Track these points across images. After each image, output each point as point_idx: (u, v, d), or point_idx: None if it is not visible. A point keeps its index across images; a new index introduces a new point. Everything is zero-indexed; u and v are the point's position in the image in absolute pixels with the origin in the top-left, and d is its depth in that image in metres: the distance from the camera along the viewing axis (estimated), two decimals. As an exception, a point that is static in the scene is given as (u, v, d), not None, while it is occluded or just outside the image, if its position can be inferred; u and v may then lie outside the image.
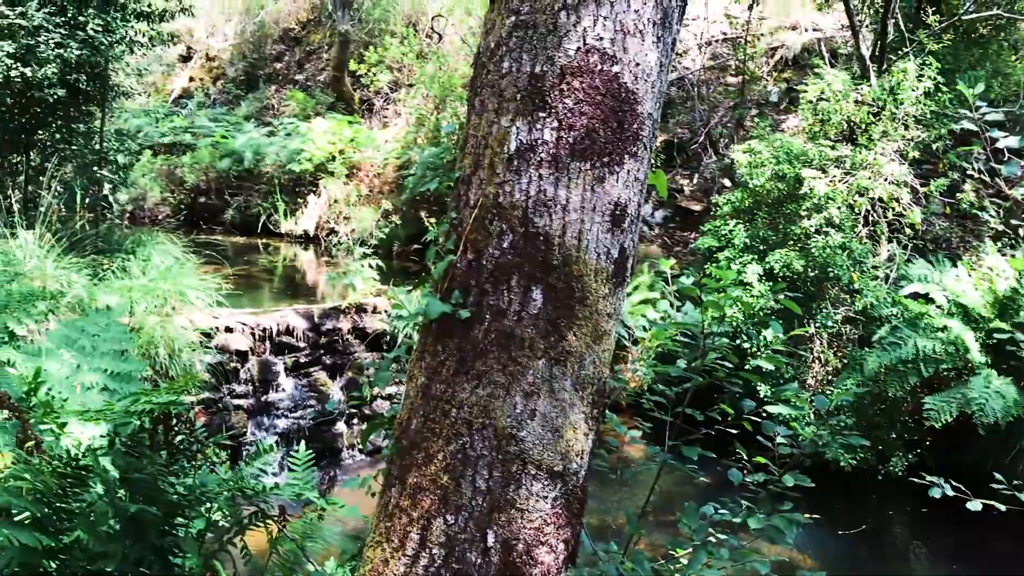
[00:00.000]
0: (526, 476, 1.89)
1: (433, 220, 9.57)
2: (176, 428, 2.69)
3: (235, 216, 14.93)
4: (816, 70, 9.24)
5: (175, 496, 2.65)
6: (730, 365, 2.34)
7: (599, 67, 1.84)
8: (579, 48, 1.85)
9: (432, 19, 17.49)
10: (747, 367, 2.46)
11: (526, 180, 1.87)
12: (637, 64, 1.88)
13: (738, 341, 7.31)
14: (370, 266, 8.75)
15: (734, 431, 2.31)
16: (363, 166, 14.74)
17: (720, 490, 2.52)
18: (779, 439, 2.16)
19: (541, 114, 1.87)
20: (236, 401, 7.27)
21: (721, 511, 2.16)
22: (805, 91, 9.01)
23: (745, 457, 2.24)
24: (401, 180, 13.88)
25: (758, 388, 6.96)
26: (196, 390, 6.89)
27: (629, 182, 1.90)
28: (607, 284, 1.93)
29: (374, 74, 15.15)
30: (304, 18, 19.57)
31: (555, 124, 1.85)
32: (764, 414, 2.27)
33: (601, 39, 1.84)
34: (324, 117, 15.77)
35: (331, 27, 18.19)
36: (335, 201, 14.46)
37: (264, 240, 14.20)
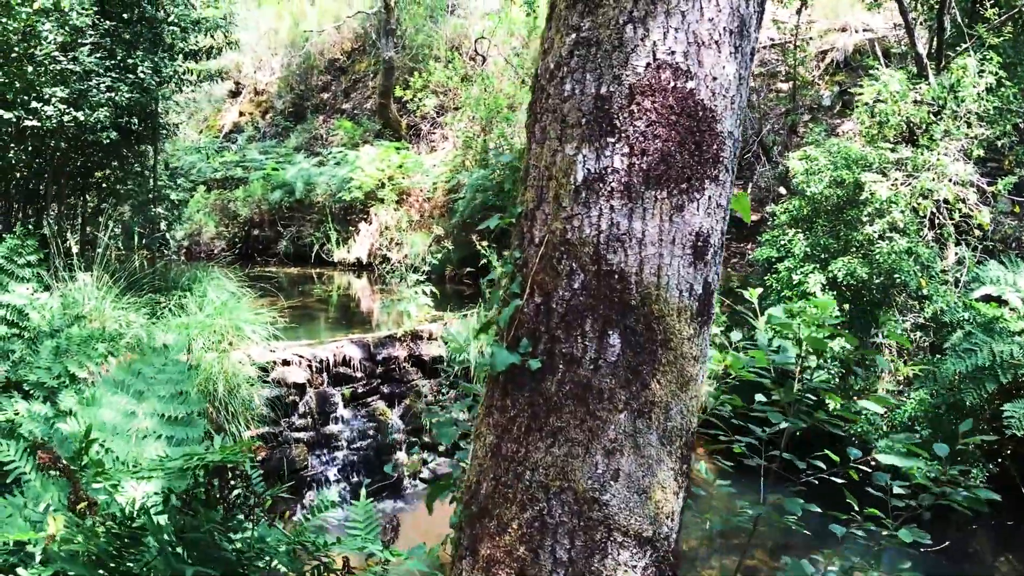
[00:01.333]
0: (612, 544, 1.69)
1: (485, 244, 9.44)
2: (233, 482, 2.58)
3: (288, 247, 15.04)
4: (871, 71, 8.93)
5: (233, 553, 2.52)
6: (829, 404, 2.12)
7: (672, 84, 1.66)
8: (649, 64, 1.67)
9: (475, 41, 17.49)
10: (831, 404, 2.24)
11: (596, 213, 1.69)
12: (714, 78, 1.69)
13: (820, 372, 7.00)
14: (424, 292, 8.65)
15: (840, 480, 2.08)
16: (412, 191, 14.74)
17: (820, 540, 2.29)
18: (896, 490, 1.93)
19: (610, 139, 1.69)
20: (295, 434, 7.21)
21: (831, 569, 1.94)
22: (860, 94, 8.70)
23: (856, 508, 2.01)
24: (451, 204, 13.83)
25: (860, 431, 6.67)
26: (256, 425, 6.85)
27: (711, 209, 1.71)
28: (691, 324, 1.74)
29: (420, 99, 15.17)
30: (348, 48, 19.75)
31: (626, 150, 1.67)
32: (873, 462, 2.04)
33: (673, 53, 1.66)
34: (372, 144, 15.84)
35: (375, 55, 18.32)
36: (386, 228, 14.47)
37: (318, 270, 14.25)
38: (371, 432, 7.63)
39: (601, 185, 1.68)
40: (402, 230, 14.22)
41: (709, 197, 1.69)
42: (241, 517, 2.59)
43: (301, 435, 7.24)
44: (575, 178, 1.70)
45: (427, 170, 14.94)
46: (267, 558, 2.65)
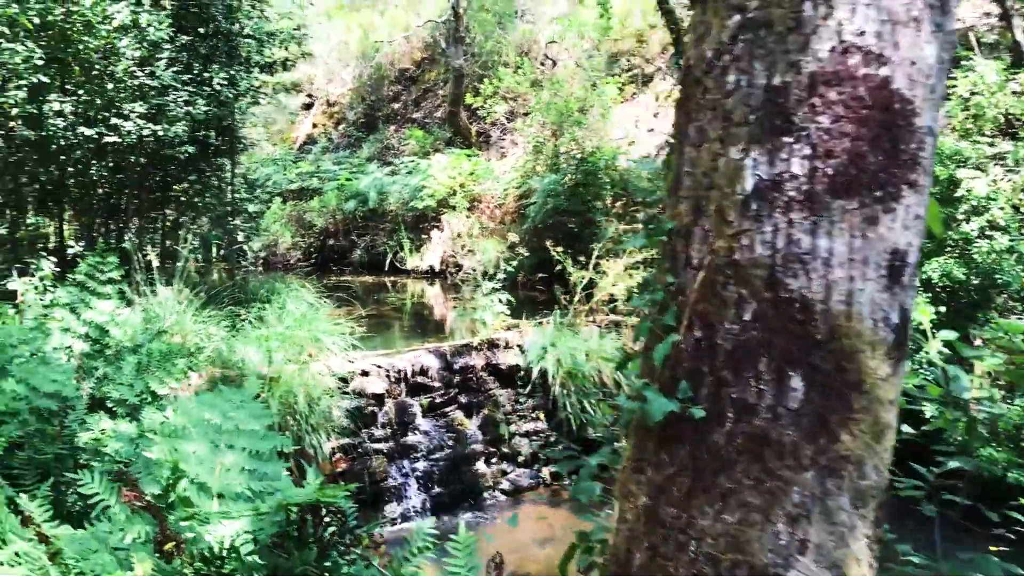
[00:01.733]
0: (801, 632, 1.39)
1: (560, 249, 9.18)
2: (327, 519, 2.38)
3: (363, 256, 15.08)
4: (965, 62, 8.39)
5: (329, 597, 2.33)
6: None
7: (862, 71, 1.36)
8: (834, 48, 1.38)
9: (545, 45, 17.31)
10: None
11: (770, 229, 1.41)
12: (912, 63, 1.39)
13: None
14: (499, 300, 8.44)
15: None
16: (484, 198, 14.62)
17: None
18: None
19: (786, 139, 1.40)
20: (375, 445, 7.12)
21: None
22: (953, 86, 8.18)
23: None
24: (522, 209, 13.65)
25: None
26: (336, 436, 6.75)
27: (908, 221, 1.40)
28: (887, 361, 1.43)
29: (490, 106, 15.03)
30: (418, 57, 19.77)
31: (807, 151, 1.38)
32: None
33: (862, 33, 1.36)
34: (443, 152, 15.79)
35: (445, 64, 18.28)
36: (458, 235, 14.37)
37: (391, 278, 14.21)
38: (450, 442, 7.50)
39: (776, 195, 1.40)
40: (474, 237, 14.09)
41: (907, 207, 1.38)
42: (337, 557, 2.39)
43: (381, 446, 7.16)
44: (743, 187, 1.41)
45: (498, 176, 14.82)
46: (363, 601, 2.45)
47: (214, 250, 8.72)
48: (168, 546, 2.14)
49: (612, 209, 12.16)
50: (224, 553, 2.14)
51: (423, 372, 7.57)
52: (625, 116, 15.10)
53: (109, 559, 2.24)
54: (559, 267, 9.17)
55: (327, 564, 2.32)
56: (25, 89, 6.09)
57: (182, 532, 2.24)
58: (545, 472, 7.86)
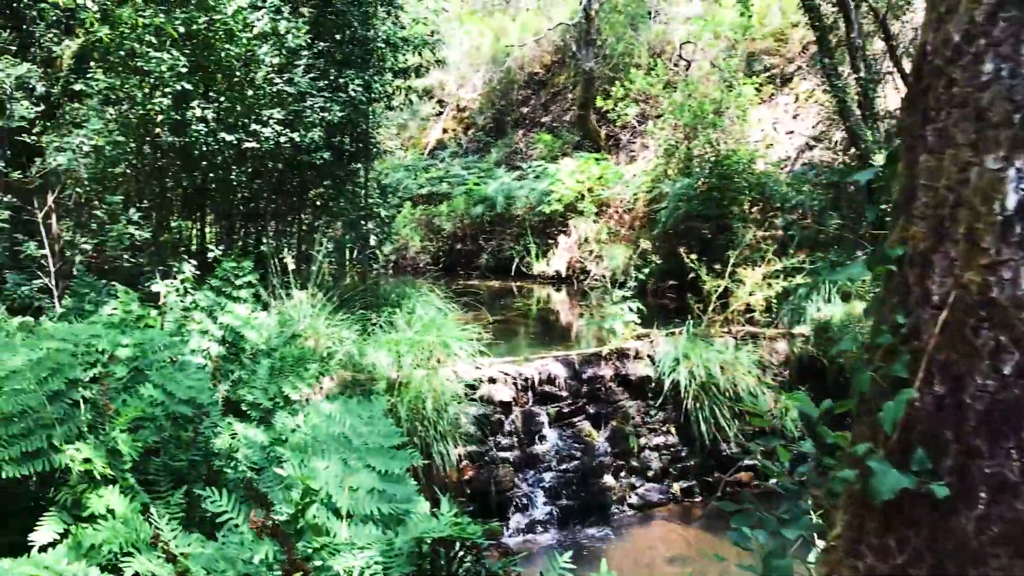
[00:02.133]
0: None
1: (693, 256, 8.80)
2: (460, 555, 2.21)
3: (489, 260, 15.09)
4: None
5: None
6: None
7: None
8: None
9: (680, 46, 16.86)
10: None
11: (1041, 258, 1.10)
12: None
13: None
14: (630, 308, 8.16)
15: None
16: (612, 203, 14.36)
17: None
18: None
19: (1065, 144, 1.09)
20: (502, 454, 7.05)
21: None
22: None
23: None
24: (652, 214, 13.31)
25: None
26: (463, 443, 6.67)
27: None
28: None
29: (620, 108, 14.73)
30: (548, 61, 19.69)
31: (1094, 159, 1.08)
32: None
33: None
34: (571, 156, 15.62)
35: (575, 66, 18.11)
36: (585, 240, 14.16)
37: (517, 283, 14.15)
38: (577, 454, 7.33)
39: (1050, 215, 1.08)
40: (602, 242, 13.84)
41: None
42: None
43: (507, 454, 7.06)
44: (1003, 204, 1.10)
45: (627, 181, 14.53)
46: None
47: (347, 254, 8.82)
48: (296, 577, 2.02)
49: (749, 215, 11.63)
50: (353, 586, 2.02)
51: (551, 381, 7.42)
52: (762, 118, 14.48)
53: (236, 585, 2.16)
54: (691, 274, 8.81)
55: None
56: (170, 96, 6.28)
57: (310, 561, 2.13)
58: (676, 487, 7.60)
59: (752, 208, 11.77)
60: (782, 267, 8.48)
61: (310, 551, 2.12)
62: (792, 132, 14.28)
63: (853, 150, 11.04)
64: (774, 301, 8.45)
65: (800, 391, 6.67)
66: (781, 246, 9.65)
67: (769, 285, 8.36)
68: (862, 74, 10.70)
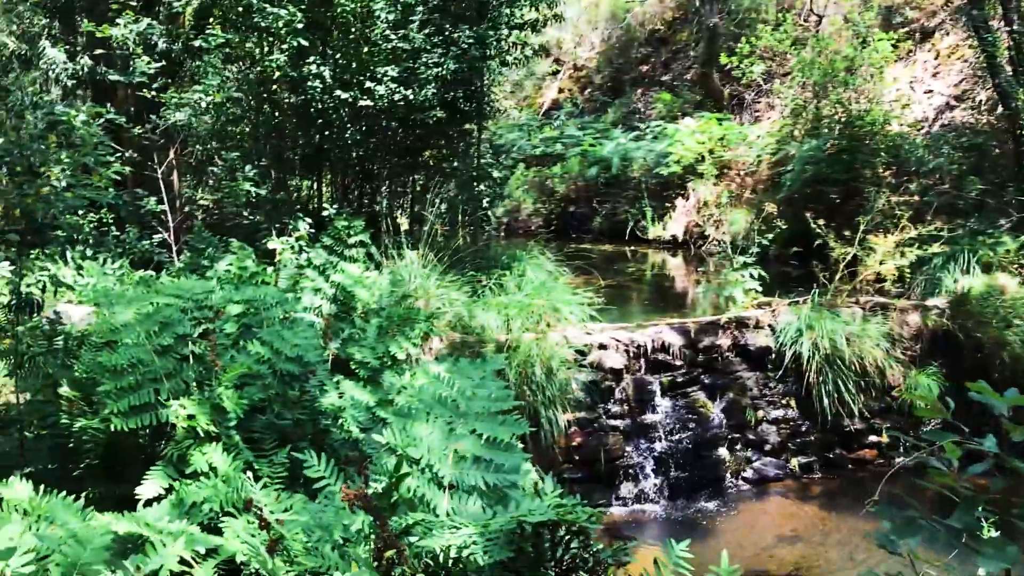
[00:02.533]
0: None
1: (821, 222, 8.29)
2: (566, 539, 2.03)
3: (603, 223, 14.83)
4: None
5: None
6: None
7: None
8: None
9: (810, 0, 15.94)
10: None
11: None
12: None
13: None
14: (751, 276, 7.78)
15: None
16: (734, 165, 13.80)
17: None
18: None
19: None
20: (611, 422, 6.92)
21: None
22: None
23: None
24: (776, 177, 12.71)
25: None
26: (571, 409, 6.55)
27: None
28: None
29: (745, 66, 14.06)
30: (670, 17, 19.03)
31: None
32: None
33: None
34: (692, 116, 15.07)
35: (698, 23, 17.45)
36: (704, 204, 13.68)
37: (631, 247, 13.84)
38: (690, 425, 7.11)
39: None
40: (722, 206, 13.31)
41: None
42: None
43: (617, 423, 6.90)
44: None
45: (751, 142, 13.93)
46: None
47: (459, 215, 8.77)
48: (388, 553, 1.90)
49: (882, 179, 10.91)
50: (449, 564, 1.87)
51: (664, 349, 7.21)
52: (899, 76, 13.53)
53: (331, 555, 2.05)
54: (817, 241, 8.33)
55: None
56: (287, 53, 6.29)
57: (405, 536, 2.00)
58: (794, 463, 7.32)
59: (885, 172, 11.05)
60: (917, 235, 7.95)
61: (404, 526, 1.99)
62: (931, 91, 13.30)
63: (1001, 110, 10.14)
64: (907, 271, 7.97)
65: (932, 366, 6.20)
66: (916, 213, 9.02)
67: (902, 253, 7.86)
68: (1015, 27, 9.76)
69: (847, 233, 8.15)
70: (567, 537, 2.00)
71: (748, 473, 7.22)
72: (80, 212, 5.57)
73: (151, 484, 2.88)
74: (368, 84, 6.83)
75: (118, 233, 6.25)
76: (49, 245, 4.84)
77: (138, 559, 1.96)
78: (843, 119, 11.61)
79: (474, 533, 1.82)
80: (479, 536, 1.83)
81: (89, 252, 5.57)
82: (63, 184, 4.31)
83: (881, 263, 7.90)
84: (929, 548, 1.98)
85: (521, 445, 2.80)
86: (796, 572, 5.73)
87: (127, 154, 6.64)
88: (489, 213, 9.02)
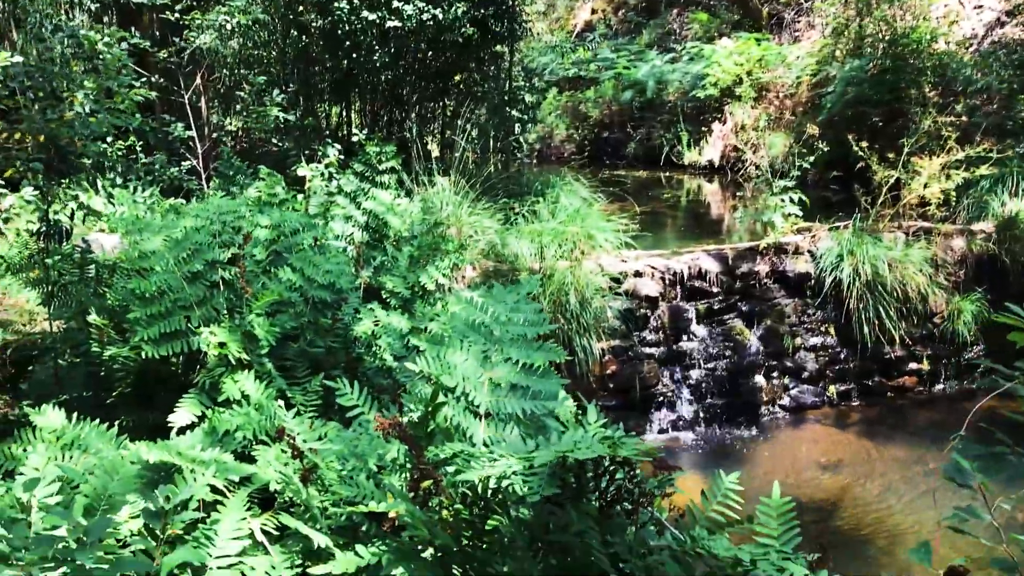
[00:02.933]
0: None
1: (864, 145, 7.99)
2: (611, 469, 1.93)
3: (637, 149, 14.47)
4: None
5: (608, 559, 1.91)
6: None
7: None
8: None
9: (858, -91, 15.12)
10: None
11: None
12: None
13: None
14: (791, 200, 7.56)
15: None
16: (773, 87, 13.32)
17: None
18: None
19: None
20: (647, 350, 6.86)
21: None
22: None
23: None
24: (816, 100, 12.27)
25: None
26: (606, 338, 6.48)
27: None
28: None
29: (787, -19, 13.48)
30: (707, -69, 18.23)
31: None
32: None
33: None
34: (729, 37, 14.52)
35: (739, -64, 16.67)
36: (742, 127, 13.26)
37: (667, 173, 13.53)
38: (727, 352, 7.05)
39: None
40: (760, 130, 12.91)
41: None
42: (622, 517, 1.93)
43: (652, 351, 6.84)
44: None
45: (790, 63, 13.39)
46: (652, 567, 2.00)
47: (491, 141, 8.57)
48: (425, 484, 1.83)
49: (929, 99, 10.48)
50: (488, 495, 1.79)
51: (701, 276, 7.09)
52: (949, -10, 12.89)
53: (367, 484, 1.99)
54: (859, 164, 8.05)
55: (610, 523, 1.88)
56: (312, -28, 6.08)
57: (442, 467, 1.93)
58: (832, 390, 7.27)
59: (931, 92, 10.60)
60: (963, 157, 7.65)
61: (442, 457, 1.92)
62: (981, 7, 12.65)
63: (1055, 25, 9.64)
64: (952, 194, 7.71)
65: (976, 292, 6.01)
66: (963, 134, 8.67)
67: (948, 176, 7.60)
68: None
69: (890, 156, 7.89)
70: (612, 468, 1.91)
71: (785, 401, 7.18)
72: (108, 140, 5.49)
73: (183, 412, 2.85)
74: (396, 3, 6.60)
75: (147, 160, 6.18)
76: (78, 173, 4.77)
77: (167, 489, 1.92)
78: (887, 37, 11.09)
79: (514, 464, 1.74)
80: (520, 467, 1.74)
81: (119, 180, 5.52)
82: (87, 109, 4.21)
83: (925, 186, 7.65)
84: (993, 480, 1.86)
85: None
86: (837, 500, 5.69)
87: (153, 79, 6.52)
88: (521, 139, 8.81)
